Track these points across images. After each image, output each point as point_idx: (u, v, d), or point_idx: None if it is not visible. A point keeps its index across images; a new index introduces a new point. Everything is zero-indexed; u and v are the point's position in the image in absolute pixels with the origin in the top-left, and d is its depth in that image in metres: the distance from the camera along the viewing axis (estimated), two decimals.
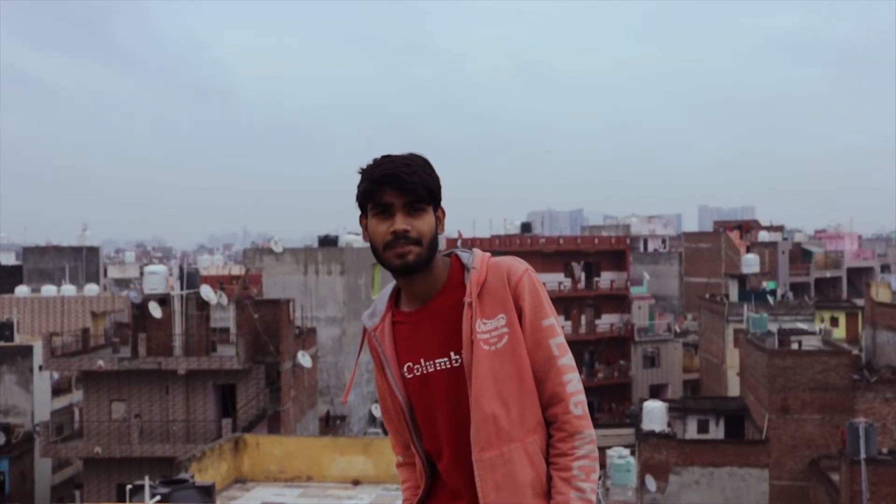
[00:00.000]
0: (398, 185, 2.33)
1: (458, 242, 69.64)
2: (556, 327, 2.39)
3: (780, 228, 75.07)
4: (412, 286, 2.43)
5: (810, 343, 37.91)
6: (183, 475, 17.58)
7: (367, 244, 2.42)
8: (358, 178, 2.42)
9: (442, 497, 2.47)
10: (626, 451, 32.64)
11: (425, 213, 2.36)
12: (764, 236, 69.90)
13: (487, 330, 2.33)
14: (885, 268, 78.36)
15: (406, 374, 2.44)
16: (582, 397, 2.38)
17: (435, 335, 2.40)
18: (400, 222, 2.34)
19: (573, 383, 2.37)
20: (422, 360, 2.41)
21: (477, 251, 2.45)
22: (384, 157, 2.39)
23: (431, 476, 2.49)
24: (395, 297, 2.52)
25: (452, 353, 2.37)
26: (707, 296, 57.47)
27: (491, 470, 2.32)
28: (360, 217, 2.43)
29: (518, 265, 2.41)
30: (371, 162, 2.41)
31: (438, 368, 2.39)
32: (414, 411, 2.46)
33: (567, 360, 2.38)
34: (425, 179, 2.36)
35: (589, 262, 59.12)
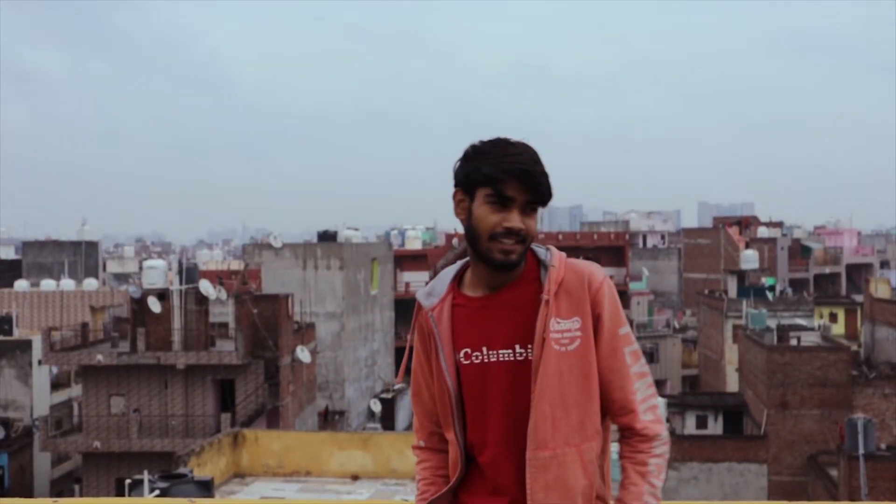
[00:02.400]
0: (528, 184, 2.30)
1: (455, 241, 69.60)
2: (631, 336, 2.39)
3: (779, 224, 75.06)
4: (492, 277, 2.38)
5: (809, 339, 37.93)
6: (182, 470, 17.59)
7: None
8: (451, 152, 2.41)
9: (478, 491, 2.41)
10: None
11: (535, 213, 2.34)
12: (763, 232, 69.91)
13: (560, 330, 2.31)
14: (885, 264, 78.36)
15: (463, 359, 2.38)
16: (653, 401, 2.37)
17: (502, 325, 2.35)
18: (517, 220, 2.30)
19: (642, 390, 2.36)
20: (483, 349, 2.36)
21: (553, 249, 2.43)
22: (510, 145, 2.33)
23: (465, 468, 2.43)
24: (457, 280, 2.47)
25: (518, 347, 2.34)
26: (706, 292, 57.49)
27: (543, 470, 2.29)
28: (458, 192, 2.36)
29: (598, 271, 2.39)
30: (489, 143, 2.35)
31: (501, 359, 2.34)
32: (462, 399, 2.41)
33: (639, 367, 2.37)
34: (549, 183, 2.34)
35: (588, 257, 58.91)
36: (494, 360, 2.35)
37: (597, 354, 2.35)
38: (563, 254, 2.41)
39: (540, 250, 2.41)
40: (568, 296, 2.34)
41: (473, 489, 2.41)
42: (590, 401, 2.34)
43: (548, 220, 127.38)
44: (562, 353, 2.30)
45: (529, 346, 2.32)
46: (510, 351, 2.34)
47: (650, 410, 2.36)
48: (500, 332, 2.35)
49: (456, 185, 2.37)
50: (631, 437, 2.37)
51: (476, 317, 2.38)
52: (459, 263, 2.50)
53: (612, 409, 2.37)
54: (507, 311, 2.36)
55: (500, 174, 2.28)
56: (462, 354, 2.38)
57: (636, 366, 2.37)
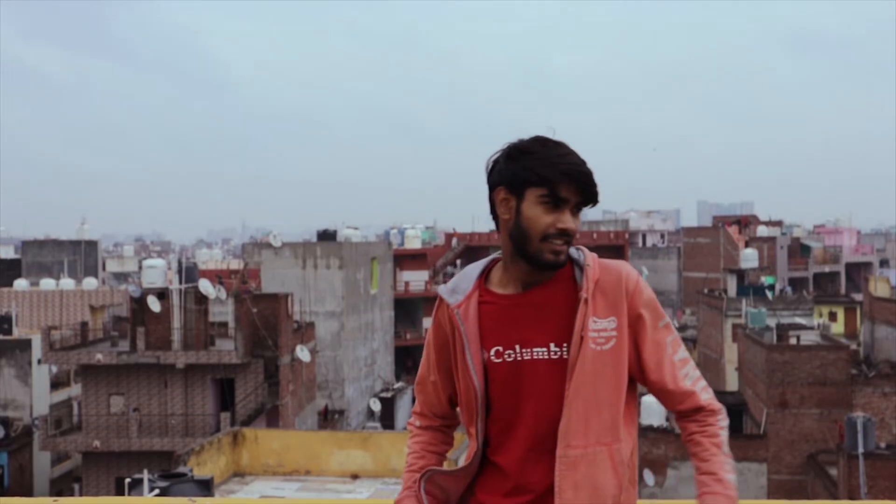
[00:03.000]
0: (583, 185, 2.30)
1: (454, 240, 69.62)
2: (671, 325, 2.40)
3: (778, 223, 75.07)
4: (530, 275, 2.37)
5: (809, 338, 37.95)
6: (181, 469, 17.60)
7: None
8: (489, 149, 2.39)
9: (497, 489, 2.37)
10: None
11: (580, 213, 2.35)
12: (763, 231, 69.92)
13: (597, 329, 2.30)
14: (884, 262, 78.41)
15: (493, 357, 2.35)
16: (703, 382, 2.41)
17: (537, 323, 2.34)
18: (570, 221, 2.30)
19: (691, 374, 2.39)
20: (516, 346, 2.33)
21: (584, 248, 2.42)
22: (558, 145, 2.33)
23: (480, 465, 2.42)
24: (483, 277, 2.46)
25: (552, 345, 2.32)
26: (706, 290, 57.49)
27: (573, 468, 2.28)
28: (502, 191, 2.35)
29: (632, 270, 2.39)
30: (535, 142, 2.34)
31: (535, 357, 2.33)
32: (488, 396, 2.39)
33: (682, 353, 2.40)
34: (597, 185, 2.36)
35: None
36: (528, 357, 2.33)
37: (643, 353, 2.35)
38: (594, 254, 2.41)
39: (571, 249, 2.41)
40: (604, 295, 2.34)
41: (491, 487, 2.38)
42: (621, 401, 2.34)
43: None
44: (597, 353, 2.30)
45: (565, 344, 2.32)
46: (545, 349, 2.32)
47: (705, 390, 2.39)
48: (535, 330, 2.34)
49: (498, 184, 2.35)
50: (695, 414, 2.39)
51: (508, 315, 2.37)
52: (484, 261, 2.48)
53: (672, 399, 2.38)
54: (541, 310, 2.35)
55: (557, 175, 2.28)
56: (493, 352, 2.36)
57: (680, 352, 2.39)
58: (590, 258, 2.38)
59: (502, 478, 2.36)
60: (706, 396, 2.39)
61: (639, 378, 2.39)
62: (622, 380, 2.33)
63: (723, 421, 2.40)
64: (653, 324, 2.37)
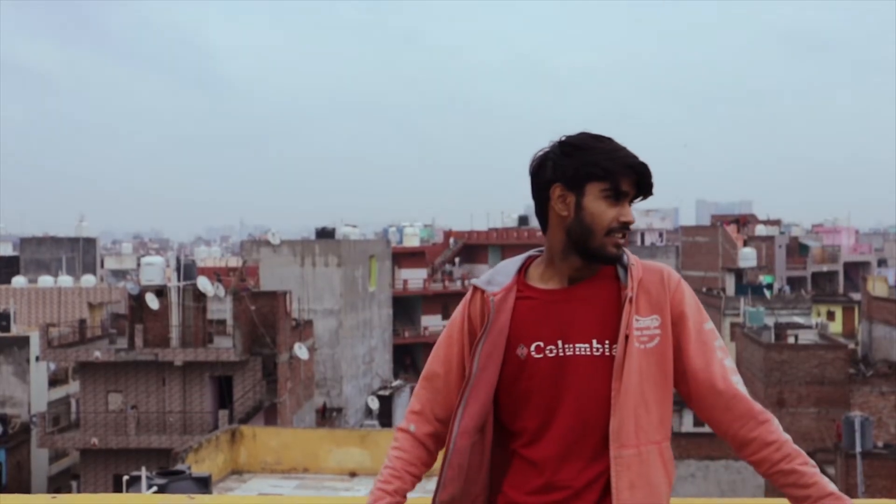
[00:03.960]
0: (644, 179, 2.32)
1: (450, 240, 69.64)
2: (715, 330, 2.38)
3: (777, 222, 75.12)
4: (580, 270, 2.36)
5: (807, 337, 37.98)
6: (180, 466, 17.61)
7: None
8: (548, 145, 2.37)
9: (526, 484, 2.34)
10: None
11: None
12: (761, 230, 69.94)
13: (640, 327, 2.30)
14: (882, 262, 78.48)
15: (534, 353, 2.33)
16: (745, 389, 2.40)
17: (579, 319, 2.33)
18: (630, 214, 2.33)
19: (741, 382, 2.36)
20: (559, 342, 2.32)
21: (625, 248, 2.42)
22: (611, 140, 2.34)
23: (502, 460, 2.39)
24: (522, 273, 2.44)
25: (594, 341, 2.31)
26: (704, 289, 57.48)
27: (627, 468, 2.27)
28: (559, 188, 2.33)
29: (672, 270, 2.40)
30: (587, 137, 2.34)
31: (577, 353, 2.31)
32: (515, 390, 2.35)
33: (730, 361, 2.38)
34: None
35: None
36: (571, 353, 2.31)
37: (687, 353, 2.34)
38: (635, 255, 2.42)
39: None
40: (647, 294, 2.34)
41: (521, 483, 2.35)
42: (665, 399, 2.34)
43: None
44: (642, 351, 2.29)
45: (607, 341, 2.31)
46: (587, 345, 2.31)
47: (752, 399, 2.37)
48: (578, 325, 2.33)
49: (553, 181, 2.34)
50: (749, 423, 2.34)
51: (551, 310, 2.35)
52: (522, 257, 2.47)
53: (718, 400, 2.34)
54: (584, 305, 2.34)
55: (620, 168, 2.29)
56: (534, 348, 2.33)
57: (729, 359, 2.37)
58: (632, 257, 2.38)
59: (535, 474, 2.33)
60: (758, 405, 2.35)
61: (680, 379, 2.36)
62: (668, 377, 2.33)
63: (783, 433, 2.37)
64: (697, 324, 2.36)
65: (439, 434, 2.46)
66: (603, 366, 2.30)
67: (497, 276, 2.43)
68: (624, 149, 2.32)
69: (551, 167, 2.34)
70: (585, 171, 2.30)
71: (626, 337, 2.28)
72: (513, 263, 2.46)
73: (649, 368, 2.30)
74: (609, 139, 2.34)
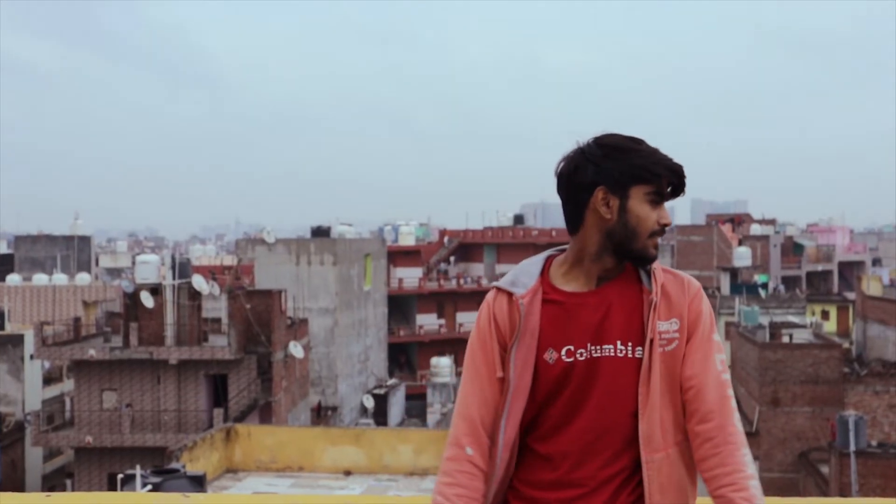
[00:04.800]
0: (681, 181, 2.36)
1: (445, 239, 69.62)
2: (721, 345, 2.39)
3: (772, 222, 75.24)
4: (609, 271, 2.37)
5: (801, 336, 38.02)
6: (174, 465, 17.57)
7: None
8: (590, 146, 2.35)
9: (540, 481, 2.33)
10: None
11: None
12: (756, 230, 70.05)
13: (661, 331, 2.32)
14: (877, 261, 78.65)
15: (564, 356, 2.32)
16: (738, 415, 2.36)
17: (605, 321, 2.33)
18: (668, 216, 2.35)
19: (731, 398, 2.35)
20: (588, 344, 2.32)
21: None
22: (646, 143, 2.35)
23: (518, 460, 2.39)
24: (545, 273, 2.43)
25: (619, 343, 2.32)
26: None
27: (658, 472, 2.29)
28: (602, 190, 2.32)
29: (693, 279, 2.43)
30: (626, 139, 2.34)
31: (604, 355, 2.32)
32: (542, 392, 2.33)
33: (728, 376, 2.38)
34: None
35: None
36: (598, 355, 2.32)
37: (691, 349, 2.35)
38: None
39: None
40: (667, 298, 2.35)
41: (536, 479, 2.35)
42: (678, 398, 2.36)
43: (541, 216, 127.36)
44: (663, 354, 2.32)
45: (630, 343, 2.32)
46: (612, 346, 2.32)
47: (739, 422, 2.33)
48: (605, 327, 2.33)
49: (597, 184, 2.32)
50: (715, 443, 2.29)
51: (579, 312, 2.35)
52: (542, 257, 2.46)
53: (702, 405, 2.32)
54: (610, 307, 2.35)
55: (663, 171, 2.32)
56: (564, 351, 2.33)
57: (726, 374, 2.37)
58: (655, 262, 2.41)
59: (549, 469, 2.33)
60: (739, 426, 2.31)
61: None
62: (677, 381, 2.35)
63: (750, 466, 2.28)
64: (706, 332, 2.37)
65: (488, 451, 2.38)
66: (627, 367, 2.31)
67: (521, 276, 2.41)
68: (660, 151, 2.34)
69: (593, 170, 2.32)
70: (631, 174, 2.31)
71: (651, 341, 2.30)
72: (534, 264, 2.43)
73: (667, 370, 2.33)
74: (642, 140, 2.36)
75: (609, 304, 2.34)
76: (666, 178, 2.32)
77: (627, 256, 2.35)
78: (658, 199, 2.33)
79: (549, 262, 2.44)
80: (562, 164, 2.38)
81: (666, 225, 2.34)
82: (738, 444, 2.29)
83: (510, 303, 2.37)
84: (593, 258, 2.36)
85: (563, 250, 2.46)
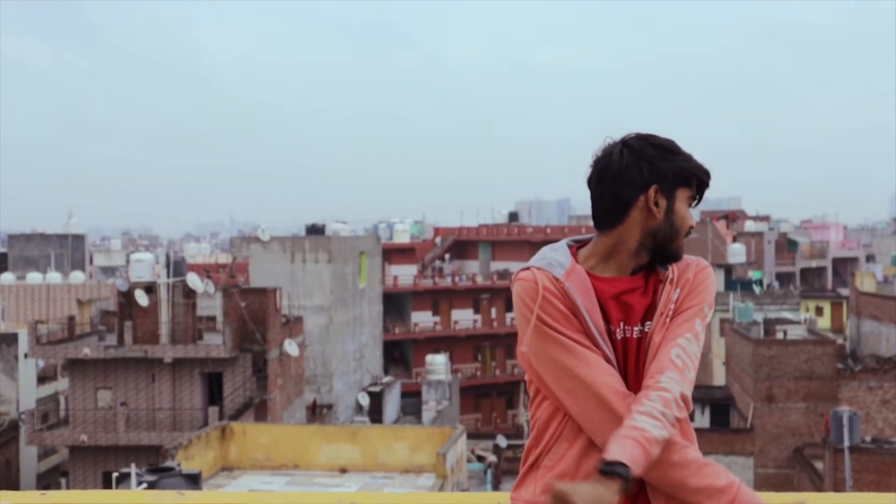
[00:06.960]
0: (707, 185, 2.42)
1: (437, 238, 69.61)
2: (709, 318, 2.40)
3: (766, 218, 75.41)
4: (641, 259, 2.40)
5: (795, 332, 38.09)
6: (169, 463, 17.58)
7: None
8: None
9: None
10: None
11: None
12: (750, 226, 70.19)
13: (670, 301, 2.41)
14: (871, 258, 78.79)
15: (624, 332, 2.37)
16: (688, 377, 2.29)
17: (633, 304, 2.38)
18: (693, 219, 2.43)
19: (683, 357, 2.29)
20: (621, 324, 2.37)
21: None
22: (681, 149, 2.41)
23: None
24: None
25: (641, 324, 2.39)
26: None
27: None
28: (655, 188, 2.33)
29: (703, 260, 2.47)
30: (665, 140, 2.38)
31: (633, 336, 2.37)
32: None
33: (694, 346, 2.32)
34: None
35: None
36: (629, 335, 2.38)
37: (674, 314, 2.36)
38: None
39: None
40: (680, 277, 2.41)
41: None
42: None
43: (536, 213, 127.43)
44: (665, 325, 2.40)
45: (648, 322, 2.38)
46: (640, 327, 2.38)
47: (680, 382, 2.27)
48: (633, 309, 2.38)
49: (651, 182, 2.34)
50: (650, 390, 2.27)
51: (612, 296, 2.38)
52: (565, 244, 2.46)
53: (650, 369, 2.33)
54: (634, 293, 2.40)
55: (702, 177, 2.40)
56: (622, 328, 2.39)
57: (693, 343, 2.32)
58: None
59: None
60: (677, 387, 2.25)
61: None
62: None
63: (675, 410, 2.23)
64: (698, 298, 2.38)
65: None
66: (643, 347, 2.37)
67: (555, 257, 2.39)
68: (690, 157, 2.40)
69: (648, 168, 2.34)
70: (681, 175, 2.36)
71: (662, 315, 2.36)
72: (560, 252, 2.42)
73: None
74: (684, 151, 2.41)
75: (635, 290, 2.39)
76: (703, 183, 2.40)
77: (662, 255, 2.39)
78: (693, 202, 2.40)
79: (574, 249, 2.46)
80: (607, 159, 2.38)
81: (692, 227, 2.41)
82: (672, 401, 2.23)
83: (558, 281, 2.33)
84: (632, 254, 2.39)
85: (579, 242, 2.47)
